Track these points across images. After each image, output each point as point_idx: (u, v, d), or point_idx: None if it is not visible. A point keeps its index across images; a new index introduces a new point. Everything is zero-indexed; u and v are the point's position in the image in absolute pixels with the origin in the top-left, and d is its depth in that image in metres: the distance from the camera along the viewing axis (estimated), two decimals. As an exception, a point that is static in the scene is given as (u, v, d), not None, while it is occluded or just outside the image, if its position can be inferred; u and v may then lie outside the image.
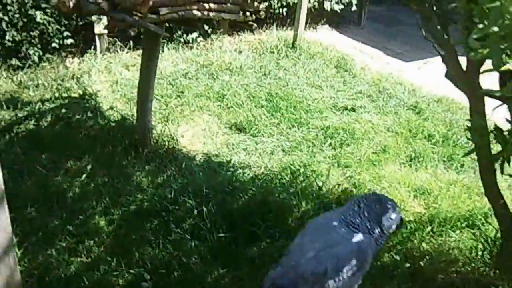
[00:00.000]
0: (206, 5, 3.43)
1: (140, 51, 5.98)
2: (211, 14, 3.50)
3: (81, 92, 5.06)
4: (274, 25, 6.99)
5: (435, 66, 7.26)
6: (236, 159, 4.20)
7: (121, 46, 6.01)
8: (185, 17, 3.36)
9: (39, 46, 5.31)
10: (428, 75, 6.63)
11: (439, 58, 2.70)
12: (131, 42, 5.97)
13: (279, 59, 6.23)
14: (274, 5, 6.87)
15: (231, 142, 4.43)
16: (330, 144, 4.49)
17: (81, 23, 5.52)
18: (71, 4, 2.97)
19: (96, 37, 5.74)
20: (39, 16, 5.13)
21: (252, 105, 4.97)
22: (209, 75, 5.60)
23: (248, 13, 3.89)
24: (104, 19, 5.55)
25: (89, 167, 3.85)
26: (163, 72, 5.61)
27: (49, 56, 5.47)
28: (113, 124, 4.50)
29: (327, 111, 5.06)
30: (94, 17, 5.49)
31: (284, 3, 6.98)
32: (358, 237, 2.15)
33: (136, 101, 4.03)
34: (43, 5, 5.15)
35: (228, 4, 3.64)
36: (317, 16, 7.78)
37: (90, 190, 3.63)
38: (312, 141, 4.49)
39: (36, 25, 5.20)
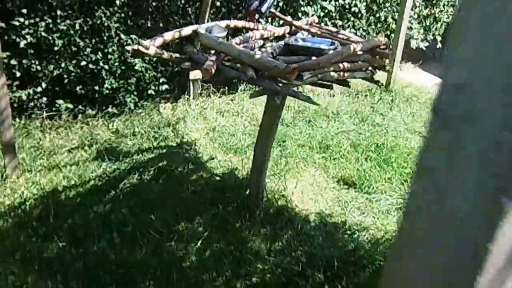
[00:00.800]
0: (341, 65, 3.22)
1: (232, 96, 5.89)
2: (345, 74, 3.30)
3: (178, 141, 4.94)
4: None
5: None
6: (351, 220, 3.94)
7: (214, 91, 5.91)
8: (324, 79, 3.17)
9: (135, 93, 5.24)
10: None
11: None
12: (225, 88, 5.87)
13: (374, 103, 5.97)
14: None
15: (342, 199, 4.17)
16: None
17: (177, 69, 5.43)
18: (213, 71, 2.83)
19: (190, 83, 5.65)
20: (138, 64, 5.07)
21: (359, 156, 4.71)
22: (306, 121, 5.39)
23: (371, 68, 3.67)
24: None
25: (201, 230, 3.67)
26: (259, 118, 5.44)
27: (144, 102, 5.40)
28: (217, 178, 4.33)
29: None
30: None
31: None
32: None
33: (252, 159, 3.84)
34: (141, 53, 5.09)
35: (360, 62, 3.43)
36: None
37: (207, 258, 3.44)
38: (429, 200, 4.18)
39: (134, 73, 5.13)
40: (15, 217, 3.67)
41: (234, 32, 4.37)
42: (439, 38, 7.58)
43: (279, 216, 3.87)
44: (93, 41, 4.82)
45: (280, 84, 2.93)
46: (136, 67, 5.10)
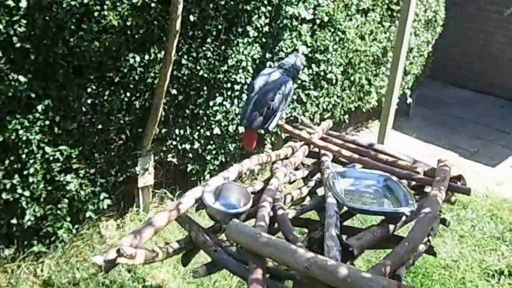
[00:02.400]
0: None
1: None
2: (430, 239, 2.21)
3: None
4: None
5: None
6: None
7: (167, 195, 4.58)
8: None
9: (68, 219, 3.79)
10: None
11: None
12: (181, 187, 4.59)
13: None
14: (336, 114, 5.62)
15: None
16: None
17: (121, 178, 4.05)
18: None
19: (140, 191, 4.28)
20: (72, 182, 3.65)
21: None
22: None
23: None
24: (150, 170, 4.17)
25: None
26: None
27: (82, 230, 3.96)
28: None
29: (480, 283, 3.75)
30: (138, 168, 4.07)
31: (345, 109, 5.75)
32: None
33: None
34: (75, 165, 3.68)
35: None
36: (368, 113, 6.64)
37: None
38: None
39: (65, 193, 3.70)
40: None
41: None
42: (408, 92, 6.76)
43: None
44: (7, 162, 3.35)
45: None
46: (69, 187, 3.67)
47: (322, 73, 5.06)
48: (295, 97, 4.95)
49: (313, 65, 4.93)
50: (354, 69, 5.49)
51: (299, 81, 4.87)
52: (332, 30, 4.94)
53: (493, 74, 8.49)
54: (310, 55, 4.83)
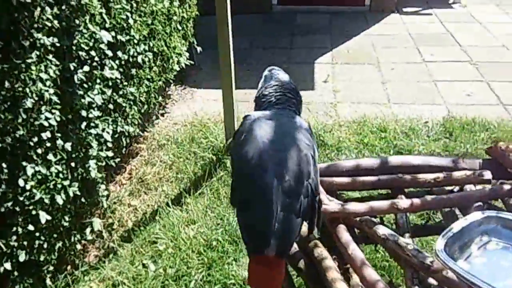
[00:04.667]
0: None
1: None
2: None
3: None
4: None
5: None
6: None
7: None
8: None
9: None
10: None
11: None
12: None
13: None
14: (151, 101, 4.13)
15: None
16: None
17: None
18: None
19: None
20: None
21: None
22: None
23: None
24: None
25: None
26: None
27: None
28: None
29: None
30: None
31: (157, 90, 4.28)
32: None
33: None
34: None
35: None
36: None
37: None
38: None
39: None
40: None
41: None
42: (194, 41, 5.48)
43: None
44: None
45: None
46: None
47: (131, 59, 3.49)
48: (111, 106, 3.33)
49: (119, 53, 3.33)
50: (156, 37, 4.02)
51: (110, 83, 3.24)
52: (125, -7, 3.34)
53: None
54: (113, 41, 3.19)
